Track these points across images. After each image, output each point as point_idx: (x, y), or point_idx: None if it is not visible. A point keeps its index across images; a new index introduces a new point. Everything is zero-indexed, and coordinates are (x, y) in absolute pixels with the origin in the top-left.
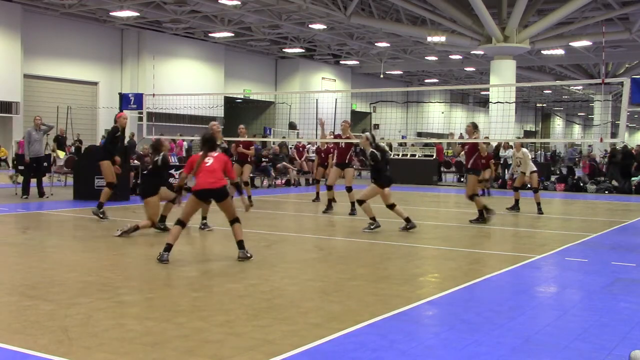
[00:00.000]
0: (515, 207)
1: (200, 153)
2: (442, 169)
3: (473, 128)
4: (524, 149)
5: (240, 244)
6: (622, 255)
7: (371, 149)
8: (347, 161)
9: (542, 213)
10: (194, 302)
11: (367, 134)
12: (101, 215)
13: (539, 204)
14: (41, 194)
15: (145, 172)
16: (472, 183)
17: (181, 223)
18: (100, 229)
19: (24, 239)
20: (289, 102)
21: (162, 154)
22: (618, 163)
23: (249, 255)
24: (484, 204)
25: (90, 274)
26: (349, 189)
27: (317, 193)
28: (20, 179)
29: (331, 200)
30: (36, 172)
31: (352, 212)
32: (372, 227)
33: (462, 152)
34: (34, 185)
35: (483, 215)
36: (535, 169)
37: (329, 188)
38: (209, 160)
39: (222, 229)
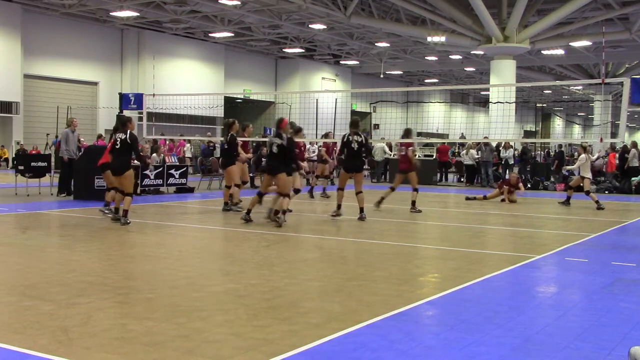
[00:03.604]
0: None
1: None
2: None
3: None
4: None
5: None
6: (622, 255)
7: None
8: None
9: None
10: (194, 302)
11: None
12: (246, 218)
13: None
14: (69, 192)
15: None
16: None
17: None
18: (99, 229)
19: (24, 239)
20: (289, 102)
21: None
22: (527, 162)
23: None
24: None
25: (90, 274)
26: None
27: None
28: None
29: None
30: (69, 172)
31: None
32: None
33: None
34: (33, 185)
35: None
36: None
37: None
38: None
39: (222, 229)
